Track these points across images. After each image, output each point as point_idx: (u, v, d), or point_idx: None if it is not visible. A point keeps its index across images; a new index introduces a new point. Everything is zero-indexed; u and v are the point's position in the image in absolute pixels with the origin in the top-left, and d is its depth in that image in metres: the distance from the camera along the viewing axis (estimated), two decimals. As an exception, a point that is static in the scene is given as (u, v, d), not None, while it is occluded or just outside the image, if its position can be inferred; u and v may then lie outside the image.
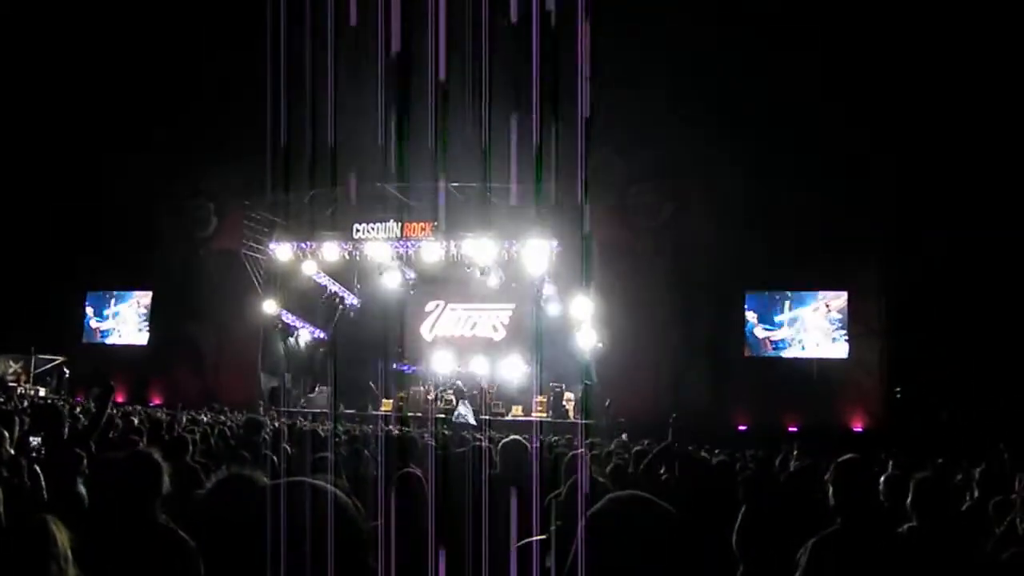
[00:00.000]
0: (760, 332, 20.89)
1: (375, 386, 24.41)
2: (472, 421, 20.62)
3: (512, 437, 5.58)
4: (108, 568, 2.66)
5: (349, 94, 20.17)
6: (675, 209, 20.74)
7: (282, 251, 23.85)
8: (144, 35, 22.51)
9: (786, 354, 20.73)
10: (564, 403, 22.02)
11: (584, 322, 22.12)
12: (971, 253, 19.22)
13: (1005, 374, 18.85)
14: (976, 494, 5.89)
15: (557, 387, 22.29)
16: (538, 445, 5.57)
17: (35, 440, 5.97)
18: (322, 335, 26.68)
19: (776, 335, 20.82)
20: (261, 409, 21.82)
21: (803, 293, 20.79)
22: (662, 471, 6.98)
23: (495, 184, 21.18)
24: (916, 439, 17.16)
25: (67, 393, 24.14)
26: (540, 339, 24.67)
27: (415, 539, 3.48)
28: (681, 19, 19.63)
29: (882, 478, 5.07)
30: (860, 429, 19.67)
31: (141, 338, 24.96)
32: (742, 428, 19.51)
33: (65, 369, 26.22)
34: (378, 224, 22.82)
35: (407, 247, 22.95)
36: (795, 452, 10.15)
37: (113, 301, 25.40)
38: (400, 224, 22.68)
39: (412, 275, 25.77)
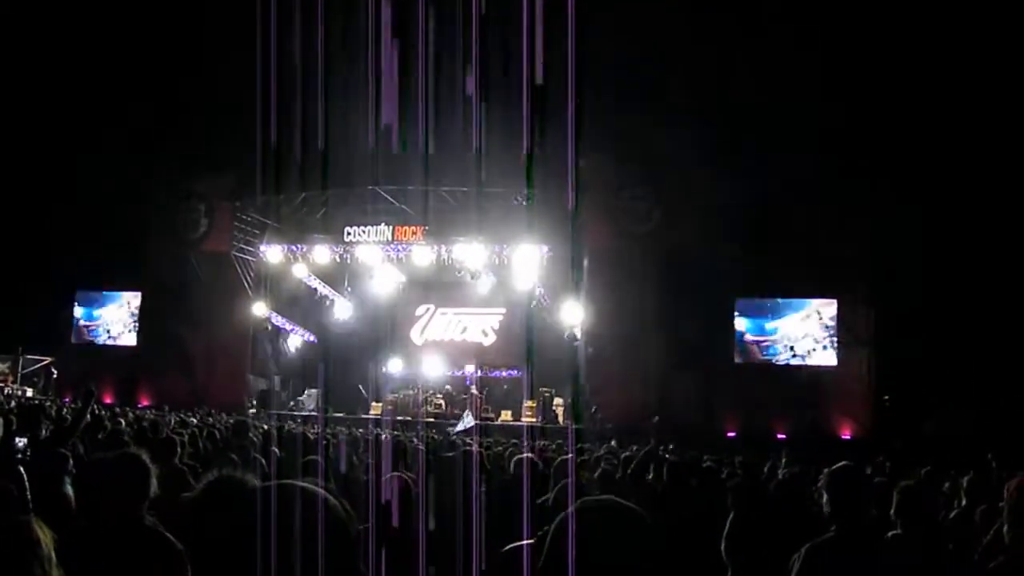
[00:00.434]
0: (750, 338, 20.93)
1: (364, 389, 24.39)
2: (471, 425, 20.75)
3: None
4: (94, 570, 2.64)
5: (340, 97, 20.17)
6: (665, 215, 20.76)
7: (273, 253, 23.81)
8: (138, 37, 22.44)
9: (776, 361, 20.78)
10: (554, 408, 22.03)
11: (574, 327, 22.13)
12: (960, 263, 19.31)
13: (994, 382, 18.93)
14: (963, 502, 5.90)
15: (547, 392, 22.30)
16: (529, 454, 5.54)
17: (21, 441, 5.93)
18: (312, 338, 26.62)
19: (766, 342, 20.86)
20: (250, 411, 21.76)
21: (794, 300, 20.84)
22: (650, 476, 6.99)
23: (486, 189, 21.21)
24: (904, 447, 17.22)
25: (55, 393, 24.02)
26: (530, 344, 24.70)
27: (404, 542, 3.47)
28: (671, 25, 19.67)
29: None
30: (848, 437, 19.72)
31: (130, 339, 24.85)
32: (731, 434, 19.53)
33: (53, 369, 26.09)
34: (369, 227, 22.81)
35: (398, 251, 22.95)
36: (783, 459, 10.17)
37: (103, 301, 25.29)
38: (391, 228, 22.68)
39: (403, 279, 25.76)
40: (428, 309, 26.55)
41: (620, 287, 20.65)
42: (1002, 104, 18.92)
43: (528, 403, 22.49)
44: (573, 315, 21.94)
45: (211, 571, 1.49)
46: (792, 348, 20.71)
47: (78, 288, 25.41)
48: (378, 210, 23.10)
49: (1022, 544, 3.15)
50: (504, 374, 24.89)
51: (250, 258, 23.98)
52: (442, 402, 23.16)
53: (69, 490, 4.83)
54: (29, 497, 4.82)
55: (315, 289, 25.81)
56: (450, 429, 20.01)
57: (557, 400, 22.28)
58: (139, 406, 21.10)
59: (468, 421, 21.53)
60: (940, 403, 19.63)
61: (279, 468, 6.19)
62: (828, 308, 20.62)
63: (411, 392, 23.52)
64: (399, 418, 21.80)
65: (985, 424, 17.70)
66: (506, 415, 22.61)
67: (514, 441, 13.52)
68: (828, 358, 20.48)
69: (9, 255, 23.85)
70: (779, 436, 19.04)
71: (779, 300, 20.89)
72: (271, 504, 1.46)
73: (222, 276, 23.63)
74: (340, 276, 26.09)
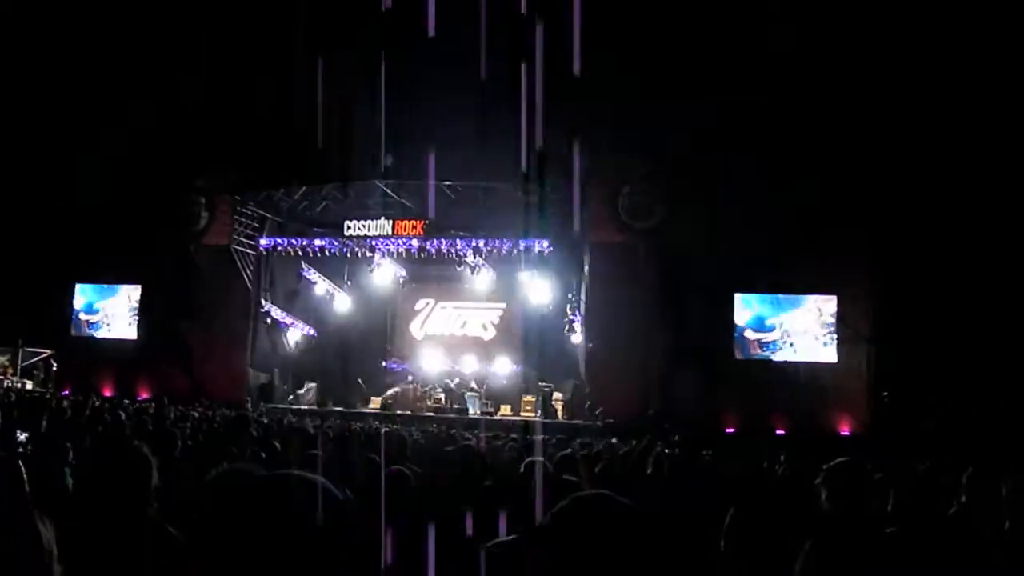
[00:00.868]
0: (751, 334, 20.92)
1: (363, 384, 24.42)
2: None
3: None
4: (95, 563, 2.64)
5: (341, 90, 20.16)
6: (667, 210, 20.74)
7: (273, 247, 23.85)
8: (138, 31, 22.42)
9: (776, 357, 20.77)
10: (553, 403, 22.05)
11: (574, 322, 22.16)
12: (960, 258, 19.30)
13: (994, 378, 18.93)
14: (963, 498, 5.90)
15: (546, 387, 22.33)
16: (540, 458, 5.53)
17: (22, 435, 5.94)
18: (312, 332, 26.64)
19: (767, 338, 20.85)
20: (250, 405, 21.78)
21: (794, 296, 20.82)
22: (649, 471, 6.99)
23: (487, 183, 21.21)
24: (903, 443, 17.22)
25: (54, 386, 24.04)
26: (530, 338, 24.74)
27: (403, 535, 3.47)
28: (674, 21, 19.65)
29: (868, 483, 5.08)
30: (847, 433, 19.72)
31: (130, 332, 24.83)
32: (730, 430, 19.54)
33: (53, 362, 26.10)
34: (369, 221, 22.83)
35: (398, 244, 22.96)
36: (783, 455, 10.18)
37: (103, 294, 25.28)
38: (391, 222, 22.70)
39: (403, 273, 25.78)
40: (428, 303, 26.58)
41: (620, 282, 20.64)
42: (1005, 98, 18.91)
43: (527, 398, 22.54)
44: (573, 310, 22.00)
45: (218, 561, 1.49)
46: (792, 344, 20.71)
47: (78, 281, 25.39)
48: (378, 204, 23.12)
49: (1022, 540, 3.15)
50: (503, 369, 24.93)
51: (250, 252, 23.99)
52: (442, 396, 23.21)
53: (70, 483, 4.83)
54: (28, 490, 4.82)
55: (315, 283, 25.84)
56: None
57: (556, 395, 22.32)
58: (139, 399, 21.11)
59: (475, 404, 21.87)
60: (940, 400, 19.64)
61: (278, 462, 6.20)
62: (828, 304, 20.60)
63: (411, 386, 23.56)
64: (399, 412, 21.85)
65: (984, 422, 17.72)
66: (505, 410, 22.67)
67: (513, 436, 13.55)
68: (828, 354, 20.47)
69: (8, 248, 23.85)
70: (778, 432, 19.05)
71: (779, 296, 20.88)
72: (276, 494, 1.47)
73: (222, 269, 23.62)
74: (340, 270, 26.12)
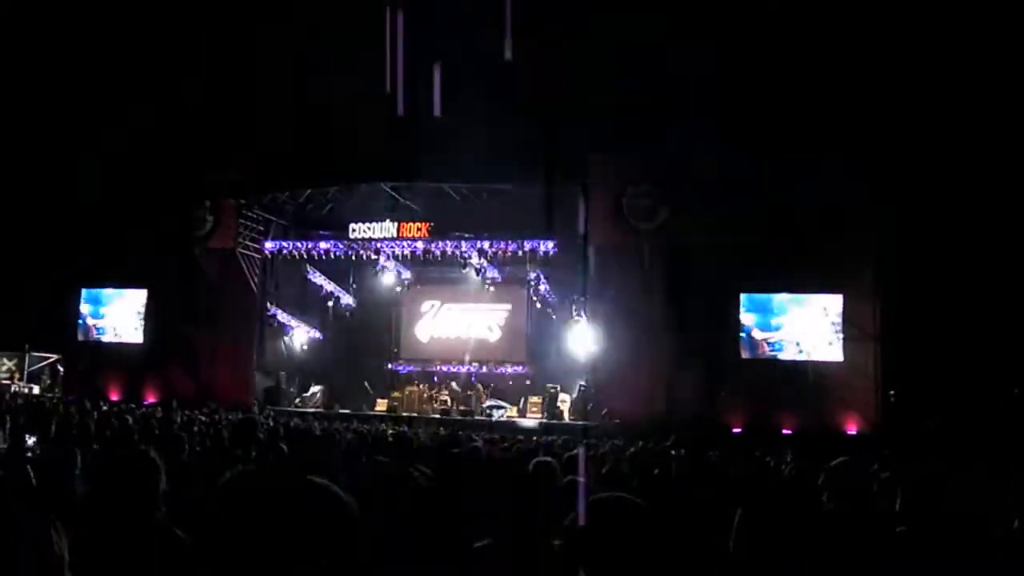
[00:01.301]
0: (757, 334, 20.87)
1: (370, 386, 24.44)
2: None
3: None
4: (105, 568, 2.65)
5: (346, 92, 20.20)
6: (672, 211, 20.73)
7: (278, 250, 23.88)
8: (142, 33, 22.48)
9: (782, 356, 20.72)
10: (559, 404, 22.04)
11: (580, 323, 22.15)
12: (967, 257, 19.27)
13: (1001, 377, 18.89)
14: (972, 497, 5.89)
15: (552, 388, 22.32)
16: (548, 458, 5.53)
17: (31, 439, 5.95)
18: (318, 334, 26.68)
19: (773, 337, 20.80)
20: (256, 408, 21.81)
21: (801, 295, 20.76)
22: (656, 472, 7.00)
23: (492, 184, 21.22)
24: (911, 442, 17.19)
25: (61, 391, 24.10)
26: (535, 340, 24.75)
27: (413, 538, 3.47)
28: (678, 19, 19.65)
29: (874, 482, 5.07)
30: (854, 432, 19.67)
31: (137, 336, 24.87)
32: (737, 430, 19.50)
33: (59, 367, 26.17)
34: (374, 223, 22.82)
35: (403, 247, 22.97)
36: (790, 454, 10.17)
37: (109, 299, 25.32)
38: (396, 224, 22.70)
39: (408, 275, 25.80)
40: (433, 305, 26.57)
41: (626, 283, 20.65)
42: (1008, 97, 18.87)
43: (533, 399, 22.54)
44: (579, 311, 21.99)
45: (228, 565, 1.50)
46: (798, 343, 20.66)
47: (84, 286, 25.44)
48: (383, 206, 23.14)
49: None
50: (509, 370, 24.94)
51: (255, 255, 24.02)
52: (448, 398, 23.20)
53: (78, 488, 4.84)
54: (35, 495, 4.83)
55: (320, 285, 25.86)
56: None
57: (563, 396, 22.30)
58: (145, 403, 21.17)
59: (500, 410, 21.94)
60: (945, 399, 19.60)
61: (287, 465, 6.20)
62: (834, 303, 20.54)
63: (417, 388, 23.56)
64: (405, 414, 21.87)
65: (990, 421, 17.68)
66: (511, 412, 22.68)
67: (520, 437, 13.56)
68: (834, 353, 20.41)
69: (15, 253, 23.93)
70: (785, 431, 19.00)
71: (785, 295, 20.83)
72: (285, 499, 1.47)
73: (228, 273, 23.66)
74: (345, 272, 26.15)
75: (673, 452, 9.39)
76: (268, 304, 24.40)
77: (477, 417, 21.61)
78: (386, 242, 23.00)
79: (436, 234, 22.55)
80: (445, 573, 3.29)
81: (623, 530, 1.71)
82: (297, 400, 24.30)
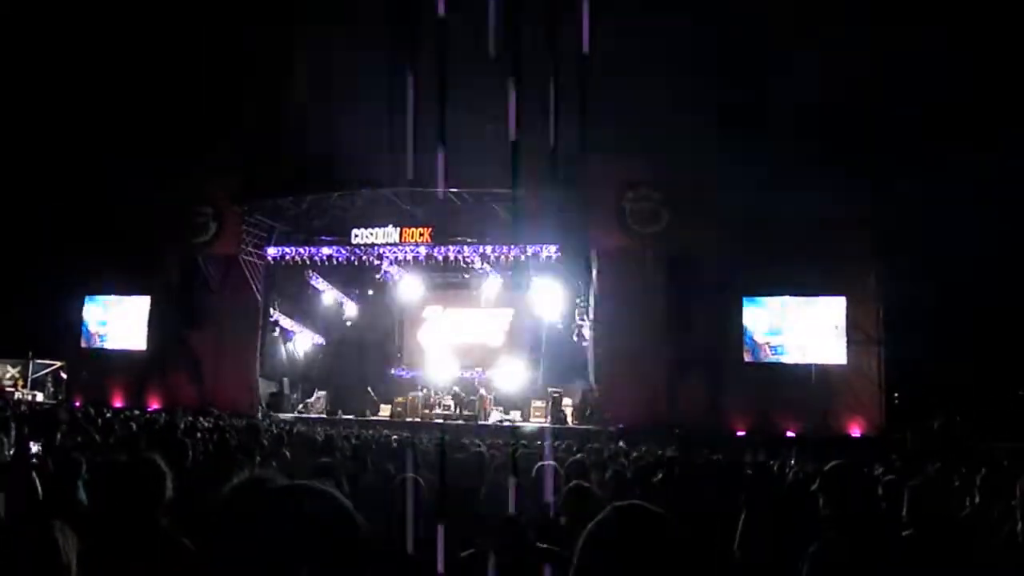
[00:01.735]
0: (760, 337, 20.86)
1: (373, 392, 24.43)
2: None
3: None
4: (111, 574, 2.66)
5: (349, 99, 20.23)
6: (674, 214, 20.73)
7: (281, 256, 23.89)
8: (146, 38, 22.51)
9: (785, 359, 20.70)
10: (562, 408, 22.03)
11: (583, 327, 22.15)
12: (970, 259, 19.23)
13: (1004, 379, 18.86)
14: (976, 500, 5.88)
15: (556, 392, 22.32)
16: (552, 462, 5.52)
17: (35, 446, 5.96)
18: (320, 340, 26.68)
19: (776, 340, 20.79)
20: (260, 414, 21.82)
21: (804, 298, 20.75)
22: (658, 477, 6.99)
23: (494, 190, 21.21)
24: (914, 445, 17.17)
25: (65, 398, 24.11)
26: (538, 344, 24.73)
27: (415, 544, 3.48)
28: (682, 23, 19.64)
29: (879, 485, 5.07)
30: (858, 435, 19.65)
31: (140, 343, 24.88)
32: (740, 433, 19.49)
33: (62, 374, 26.19)
34: (376, 229, 22.84)
35: (406, 252, 22.98)
36: (793, 458, 10.16)
37: (112, 306, 25.33)
38: (399, 229, 22.72)
39: (410, 280, 25.81)
40: (436, 310, 26.58)
41: (628, 287, 20.64)
42: (1009, 96, 18.86)
43: (537, 403, 22.53)
44: (582, 315, 21.99)
45: (233, 573, 1.50)
46: (802, 346, 20.65)
47: (87, 293, 25.46)
48: (385, 212, 23.13)
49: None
50: (512, 375, 24.90)
51: (258, 261, 24.03)
52: (451, 403, 23.19)
53: (83, 495, 4.85)
54: (40, 502, 4.84)
55: (323, 291, 25.89)
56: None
57: (566, 400, 22.29)
58: (149, 409, 21.17)
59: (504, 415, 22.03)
60: (949, 401, 19.58)
61: (289, 470, 6.21)
62: (837, 306, 20.53)
63: (420, 394, 23.55)
64: (408, 420, 21.87)
65: (994, 422, 17.65)
66: (514, 416, 22.67)
67: (523, 442, 13.55)
68: (837, 356, 20.40)
69: (18, 260, 23.97)
70: (788, 434, 18.98)
71: (788, 298, 20.82)
72: (288, 505, 1.48)
73: (231, 279, 23.67)
74: (348, 278, 26.16)
75: (676, 456, 9.39)
76: (271, 310, 24.42)
77: (480, 422, 21.58)
78: (389, 247, 23.02)
79: (438, 239, 22.56)
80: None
81: (642, 539, 1.71)
82: (300, 406, 24.32)
